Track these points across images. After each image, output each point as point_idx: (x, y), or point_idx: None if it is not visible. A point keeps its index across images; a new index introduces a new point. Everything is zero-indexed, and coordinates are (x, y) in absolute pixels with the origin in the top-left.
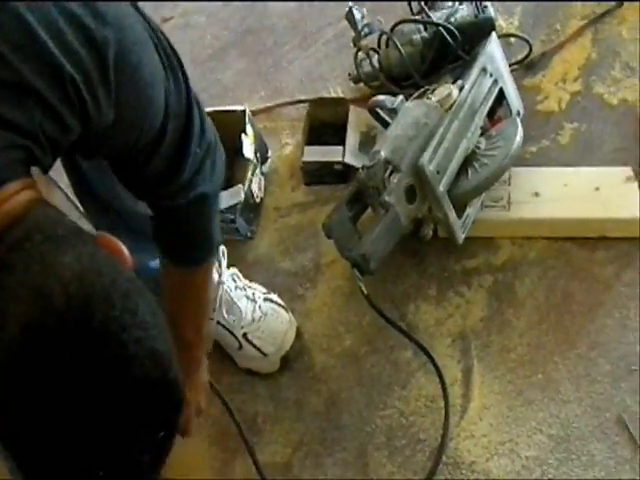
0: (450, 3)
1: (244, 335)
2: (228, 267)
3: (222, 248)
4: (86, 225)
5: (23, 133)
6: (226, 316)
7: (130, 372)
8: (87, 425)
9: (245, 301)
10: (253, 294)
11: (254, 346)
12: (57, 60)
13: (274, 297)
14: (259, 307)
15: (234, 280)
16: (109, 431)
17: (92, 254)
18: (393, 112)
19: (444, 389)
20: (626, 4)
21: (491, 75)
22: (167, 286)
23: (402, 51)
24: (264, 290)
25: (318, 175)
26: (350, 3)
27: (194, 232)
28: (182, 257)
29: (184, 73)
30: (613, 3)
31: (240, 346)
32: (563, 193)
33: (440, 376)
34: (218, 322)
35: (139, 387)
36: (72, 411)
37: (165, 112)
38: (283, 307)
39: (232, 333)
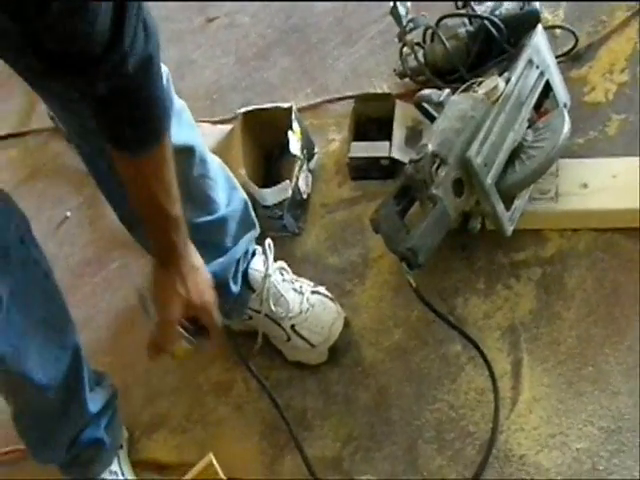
0: None
1: (292, 327)
2: (275, 260)
3: (268, 241)
4: None
5: None
6: (274, 308)
7: None
8: None
9: (293, 293)
10: (301, 287)
11: (302, 337)
12: None
13: (322, 289)
14: (307, 299)
15: (281, 273)
16: None
17: None
18: (439, 106)
19: (494, 382)
20: None
21: (537, 67)
22: (125, 179)
23: (447, 45)
24: (311, 284)
25: (365, 170)
26: None
27: (144, 104)
28: (136, 139)
29: None
30: None
31: (288, 338)
32: (611, 184)
33: (490, 369)
34: (266, 315)
35: None
36: None
37: None
38: (330, 298)
39: (280, 325)
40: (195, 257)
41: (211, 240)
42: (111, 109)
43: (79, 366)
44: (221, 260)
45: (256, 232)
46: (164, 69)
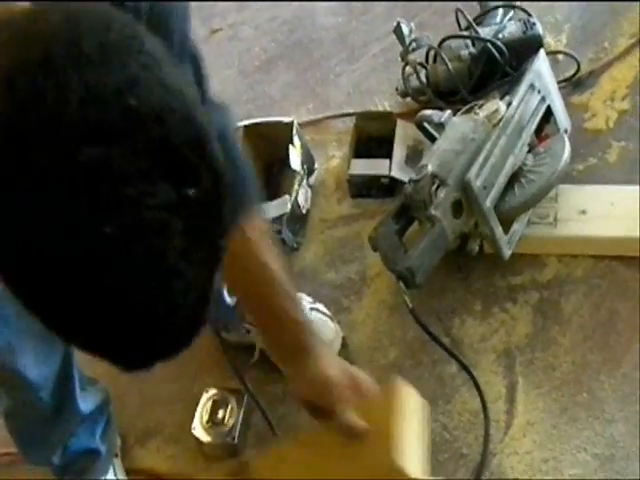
0: (498, 19)
1: None
2: None
3: None
4: None
5: None
6: None
7: (134, 96)
8: (87, 163)
9: None
10: None
11: None
12: None
13: (320, 307)
14: None
15: None
16: (116, 172)
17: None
18: (440, 127)
19: (484, 406)
20: None
21: (539, 92)
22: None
23: (450, 66)
24: (310, 300)
25: (365, 188)
26: (398, 18)
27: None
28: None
29: None
30: None
31: None
32: (610, 211)
33: (480, 393)
34: None
35: (148, 115)
36: (67, 141)
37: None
38: (329, 317)
39: None
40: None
41: None
42: None
43: (69, 362)
44: None
45: None
46: None
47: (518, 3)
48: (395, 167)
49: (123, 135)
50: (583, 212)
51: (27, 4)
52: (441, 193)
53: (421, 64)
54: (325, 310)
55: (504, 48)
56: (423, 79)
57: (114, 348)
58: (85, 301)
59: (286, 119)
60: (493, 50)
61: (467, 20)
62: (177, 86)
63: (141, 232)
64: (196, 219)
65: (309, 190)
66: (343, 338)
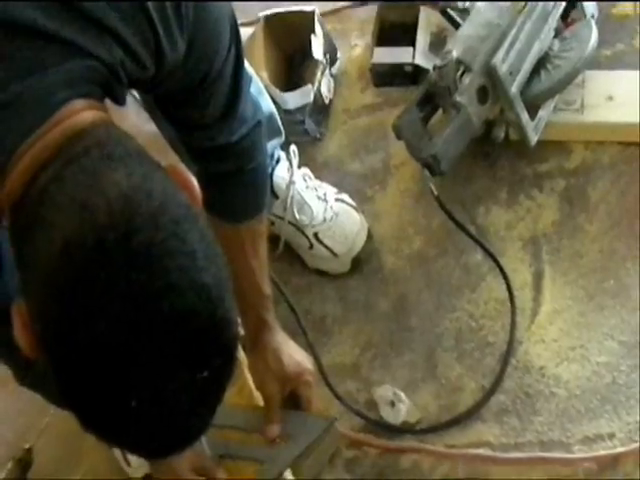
0: None
1: (315, 235)
2: (299, 167)
3: (293, 147)
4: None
5: (105, 64)
6: (297, 216)
7: (169, 301)
8: (118, 348)
9: (316, 201)
10: (324, 194)
11: (325, 246)
12: None
13: (345, 198)
14: (330, 207)
15: (305, 180)
16: (140, 359)
17: (146, 175)
18: (464, 13)
19: (510, 294)
20: None
21: None
22: (223, 246)
23: None
24: (335, 190)
25: (388, 76)
26: None
27: (252, 171)
28: (240, 207)
29: None
30: None
31: (311, 245)
32: (638, 97)
33: (507, 281)
34: (289, 222)
35: (177, 319)
36: (104, 332)
37: (229, 45)
38: (354, 208)
39: (303, 232)
40: (283, 333)
41: None
42: (217, 170)
43: None
44: None
45: (281, 139)
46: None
47: None
48: (419, 54)
49: (151, 331)
50: (610, 98)
51: (91, 117)
52: (466, 79)
53: None
54: (350, 201)
55: None
56: None
57: (134, 449)
58: (117, 432)
59: (307, 8)
60: None
61: None
62: (207, 285)
63: (158, 404)
64: (204, 392)
65: (332, 80)
66: (368, 229)
